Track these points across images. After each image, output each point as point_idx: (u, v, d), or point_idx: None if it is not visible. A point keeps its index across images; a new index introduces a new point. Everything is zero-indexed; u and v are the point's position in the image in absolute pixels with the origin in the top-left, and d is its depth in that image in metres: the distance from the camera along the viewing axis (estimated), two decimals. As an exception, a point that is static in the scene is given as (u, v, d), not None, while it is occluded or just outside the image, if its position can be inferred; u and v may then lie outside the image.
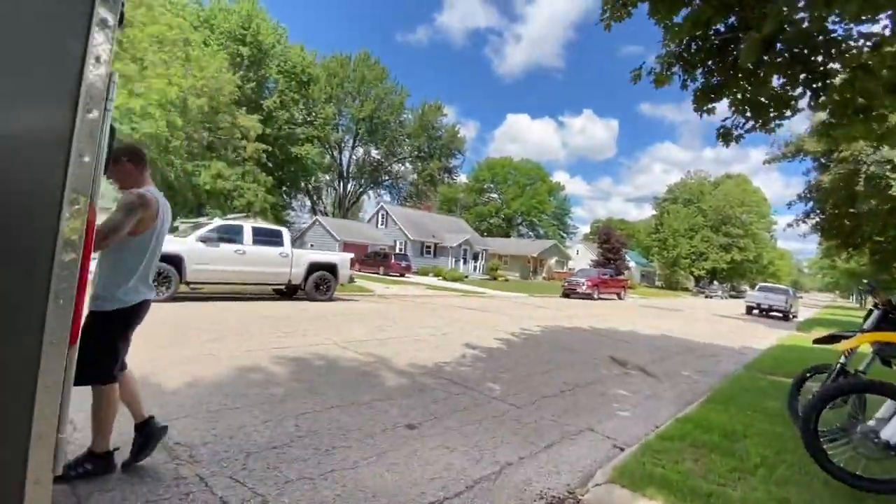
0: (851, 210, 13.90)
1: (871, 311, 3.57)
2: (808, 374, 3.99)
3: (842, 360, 3.63)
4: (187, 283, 8.95)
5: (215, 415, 3.16)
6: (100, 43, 1.30)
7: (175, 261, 8.55)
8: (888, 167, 12.21)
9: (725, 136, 6.02)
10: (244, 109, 24.46)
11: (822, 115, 5.82)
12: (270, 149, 27.74)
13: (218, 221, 9.84)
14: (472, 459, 2.95)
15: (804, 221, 17.82)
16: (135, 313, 2.35)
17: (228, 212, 19.39)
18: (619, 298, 24.53)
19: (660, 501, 2.47)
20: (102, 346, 2.21)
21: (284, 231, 10.53)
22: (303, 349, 5.45)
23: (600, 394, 4.91)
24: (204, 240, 9.11)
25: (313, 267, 10.51)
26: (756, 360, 7.81)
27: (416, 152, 45.96)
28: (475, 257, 37.20)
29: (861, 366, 3.61)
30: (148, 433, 2.39)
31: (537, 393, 4.64)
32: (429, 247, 34.96)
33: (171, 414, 3.08)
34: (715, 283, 54.34)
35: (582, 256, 53.04)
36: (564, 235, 64.42)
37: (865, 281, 7.97)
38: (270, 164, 31.54)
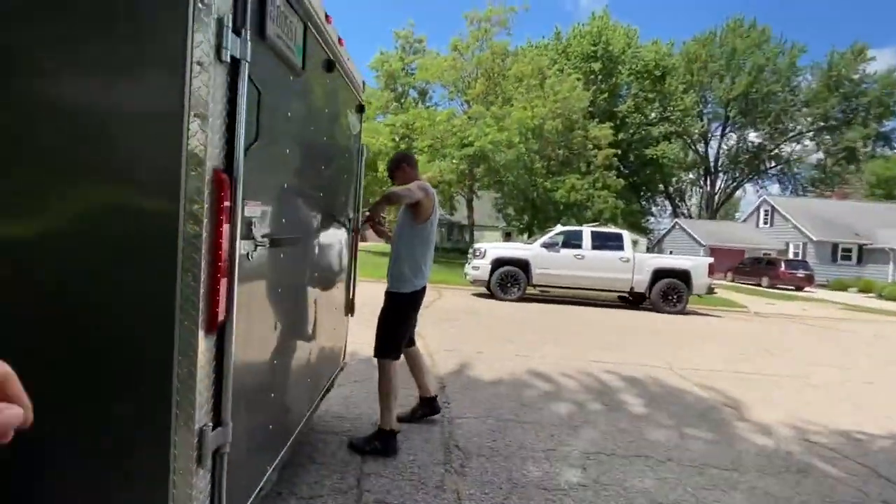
0: None
1: None
2: None
3: None
4: (534, 286, 9.69)
5: (502, 425, 2.93)
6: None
7: (522, 264, 9.44)
8: None
9: None
10: (596, 121, 25.13)
11: None
12: (621, 153, 27.25)
13: (560, 228, 10.20)
14: None
15: None
16: (421, 296, 2.58)
17: (582, 222, 20.32)
18: None
19: None
20: (394, 324, 2.47)
21: (625, 234, 9.74)
22: (624, 367, 4.60)
23: None
24: (547, 245, 9.62)
25: (659, 273, 9.20)
26: None
27: (819, 122, 33.89)
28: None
29: None
30: (427, 410, 2.80)
31: None
32: (847, 250, 24.70)
33: (463, 411, 3.09)
34: None
35: None
36: None
37: None
38: (625, 170, 31.10)
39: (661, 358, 5.08)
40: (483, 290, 9.78)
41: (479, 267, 9.53)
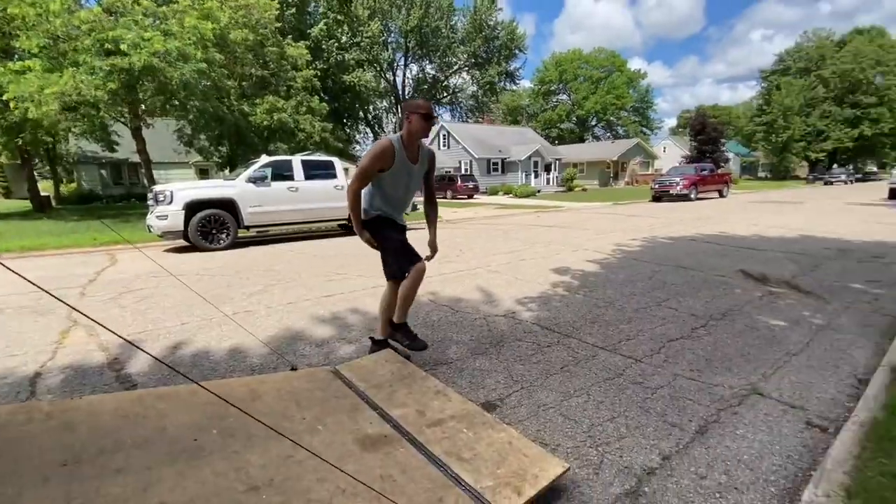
0: None
1: None
2: None
3: None
4: (247, 228, 8.57)
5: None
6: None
7: (228, 205, 8.12)
8: None
9: None
10: (290, 38, 23.10)
11: None
12: (321, 78, 26.50)
13: (265, 158, 9.15)
14: (584, 468, 1.91)
15: None
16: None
17: (293, 151, 19.00)
18: (721, 196, 21.30)
19: None
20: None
21: (336, 161, 9.62)
22: (349, 296, 4.64)
23: (748, 328, 3.55)
24: (254, 180, 8.51)
25: (372, 197, 9.67)
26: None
27: (472, 59, 41.85)
28: (547, 169, 34.37)
29: None
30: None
31: (659, 336, 3.41)
32: (496, 163, 32.80)
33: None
34: (836, 166, 46.10)
35: (670, 154, 47.23)
36: (648, 132, 57.57)
37: None
38: (326, 97, 30.54)
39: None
40: (182, 241, 8.00)
41: (166, 215, 7.62)
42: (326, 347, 3.28)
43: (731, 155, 47.11)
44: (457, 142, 32.97)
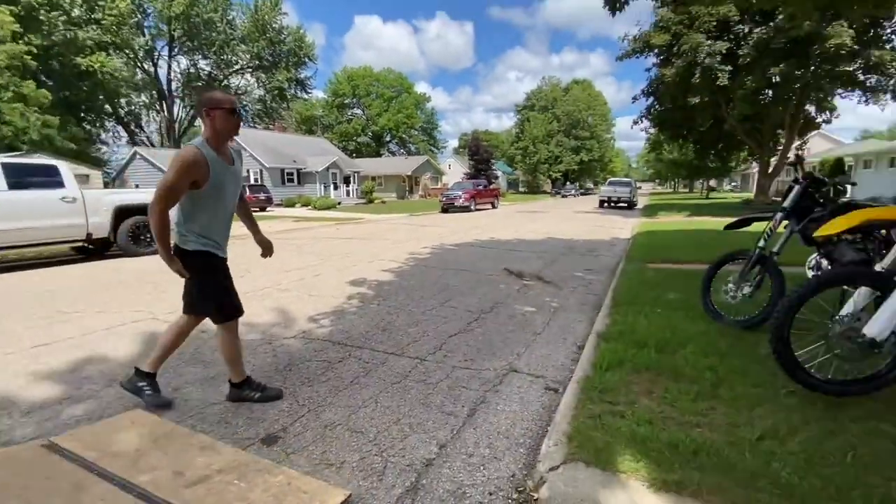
0: (686, 101, 15.22)
1: (790, 188, 3.25)
2: (721, 264, 3.72)
3: (760, 243, 3.33)
4: None
5: None
6: None
7: None
8: (718, 58, 13.31)
9: (612, 1, 5.29)
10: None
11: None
12: (41, 57, 20.33)
13: (-63, 159, 6.43)
14: (369, 478, 1.91)
15: (646, 117, 19.44)
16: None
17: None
18: (493, 207, 25.17)
19: (643, 479, 1.76)
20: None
21: (62, 166, 7.35)
22: (82, 340, 3.66)
23: (509, 317, 4.23)
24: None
25: (123, 212, 7.83)
26: (630, 250, 8.12)
27: (255, 61, 38.77)
28: (346, 181, 34.43)
29: (775, 247, 3.37)
30: None
31: (441, 333, 3.74)
32: (290, 174, 31.10)
33: None
34: (568, 183, 60.14)
35: (454, 170, 53.45)
36: (435, 150, 63.81)
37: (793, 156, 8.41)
38: (50, 83, 23.64)
39: (140, 308, 4.42)
40: None
41: None
42: (42, 414, 2.46)
43: (500, 173, 56.40)
44: (244, 148, 29.93)
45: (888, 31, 13.04)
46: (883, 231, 2.56)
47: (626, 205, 23.56)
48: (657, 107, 17.99)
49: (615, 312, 4.04)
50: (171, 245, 2.25)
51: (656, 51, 15.52)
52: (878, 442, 1.92)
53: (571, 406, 2.38)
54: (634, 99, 19.44)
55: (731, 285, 3.46)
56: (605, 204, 24.04)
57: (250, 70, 39.81)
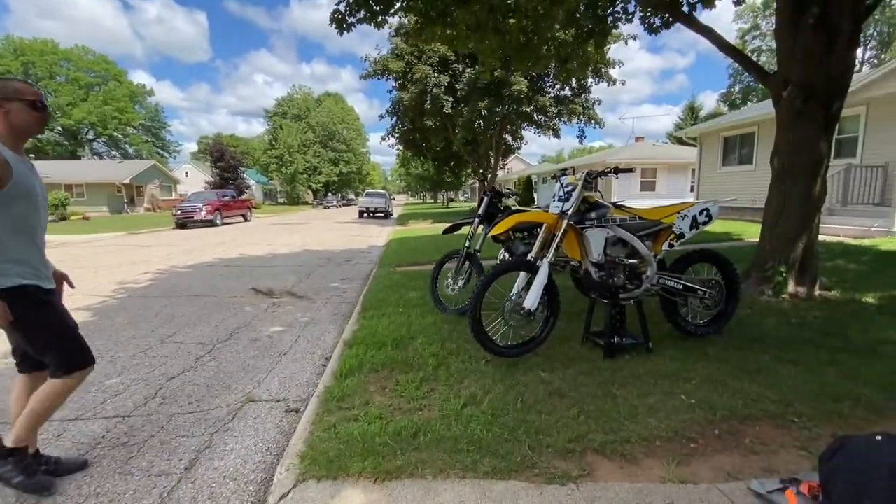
0: (423, 122, 17.41)
1: (482, 198, 4.06)
2: (442, 263, 4.36)
3: (467, 244, 4.05)
4: None
5: None
6: None
7: None
8: (443, 89, 15.73)
9: (339, 21, 5.54)
10: None
11: (414, 19, 6.24)
12: None
13: None
14: None
15: (392, 135, 21.32)
16: None
17: None
18: (246, 220, 22.94)
19: (369, 478, 1.85)
20: None
21: None
22: None
23: (251, 341, 3.87)
24: None
25: None
26: (383, 257, 8.71)
27: None
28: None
29: (477, 245, 4.15)
30: None
31: (157, 377, 3.10)
32: None
33: None
34: (329, 194, 60.44)
35: (194, 179, 46.19)
36: (165, 154, 53.69)
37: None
38: None
39: None
40: None
41: None
42: None
43: (252, 182, 51.85)
44: None
45: (547, 84, 18.17)
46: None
47: (382, 214, 25.28)
48: (399, 126, 20.00)
49: (363, 318, 4.22)
50: None
51: (394, 75, 17.25)
52: (538, 387, 2.58)
53: (309, 422, 2.32)
54: (381, 117, 21.03)
55: (450, 280, 4.09)
56: (365, 214, 25.21)
57: None
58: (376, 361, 3.02)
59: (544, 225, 2.90)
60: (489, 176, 20.34)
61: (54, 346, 1.90)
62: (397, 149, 25.00)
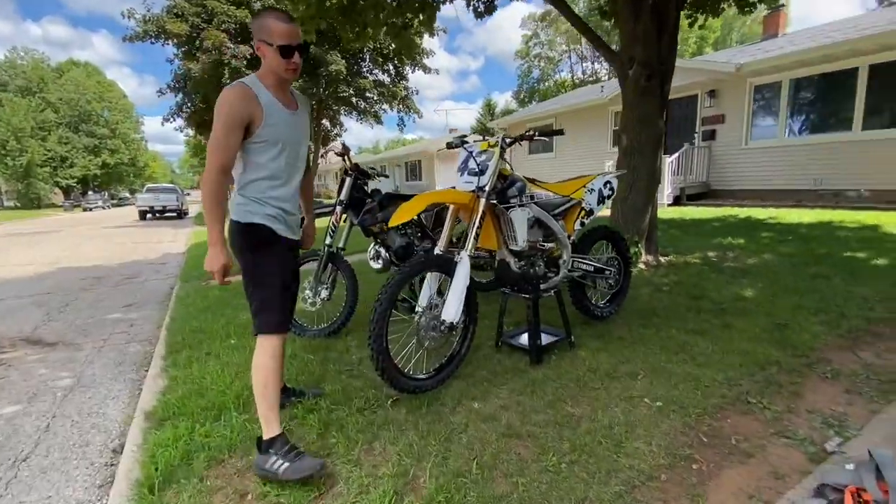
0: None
1: (343, 180, 3.09)
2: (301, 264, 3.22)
3: (327, 241, 3.04)
4: None
5: None
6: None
7: None
8: (245, 62, 13.31)
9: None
10: None
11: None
12: None
13: None
14: None
15: (179, 115, 17.37)
16: None
17: None
18: (-54, 234, 15.75)
19: None
20: None
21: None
22: None
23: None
24: None
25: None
26: (185, 268, 6.72)
27: None
28: None
29: (340, 242, 3.19)
30: None
31: None
32: None
33: None
34: (91, 192, 47.37)
35: None
36: None
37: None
38: None
39: None
40: None
41: None
42: None
43: (-45, 180, 36.58)
44: None
45: (364, 69, 17.28)
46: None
47: (175, 214, 20.71)
48: (188, 104, 16.30)
49: (172, 364, 2.82)
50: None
51: (175, 41, 13.78)
52: (480, 429, 1.86)
53: None
54: (161, 92, 16.80)
55: (308, 291, 3.02)
56: (148, 215, 20.22)
57: None
58: (215, 444, 1.85)
59: (451, 207, 2.19)
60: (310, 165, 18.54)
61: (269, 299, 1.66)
62: (186, 133, 20.66)
